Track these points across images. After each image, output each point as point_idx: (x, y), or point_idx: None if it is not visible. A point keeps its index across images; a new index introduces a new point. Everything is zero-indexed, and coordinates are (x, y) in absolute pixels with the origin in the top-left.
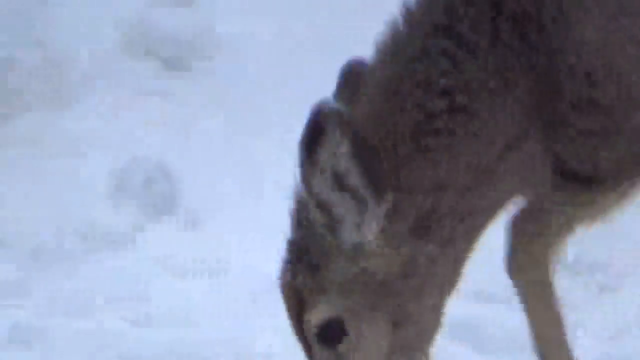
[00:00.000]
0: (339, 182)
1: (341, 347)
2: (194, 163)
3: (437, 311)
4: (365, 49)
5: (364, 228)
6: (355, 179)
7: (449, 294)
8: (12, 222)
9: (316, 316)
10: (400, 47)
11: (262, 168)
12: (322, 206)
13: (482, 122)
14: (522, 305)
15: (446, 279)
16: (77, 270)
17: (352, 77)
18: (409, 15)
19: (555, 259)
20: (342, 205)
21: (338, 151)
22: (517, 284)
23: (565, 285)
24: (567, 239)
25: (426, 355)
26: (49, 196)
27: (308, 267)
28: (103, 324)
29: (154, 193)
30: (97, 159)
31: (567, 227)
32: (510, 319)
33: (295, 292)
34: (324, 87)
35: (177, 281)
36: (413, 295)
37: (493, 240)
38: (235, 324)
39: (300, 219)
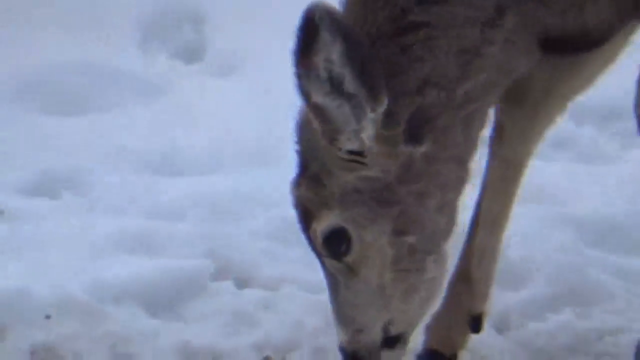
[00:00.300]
0: (336, 88)
1: (348, 258)
2: (224, 9)
3: (445, 212)
4: None
5: (362, 134)
6: (350, 83)
7: (456, 193)
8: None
9: (320, 226)
10: None
11: (293, 16)
12: (320, 113)
13: (455, 7)
14: (489, 179)
15: (448, 177)
16: (107, 119)
17: None
18: None
19: (542, 138)
20: (339, 112)
21: (332, 51)
22: (494, 160)
23: (593, 134)
24: (557, 115)
25: (442, 256)
26: (76, 42)
27: (310, 178)
28: (133, 174)
29: (184, 39)
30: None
31: (556, 100)
32: None
33: (302, 204)
34: None
35: (206, 129)
36: (415, 200)
37: None
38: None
39: (303, 128)
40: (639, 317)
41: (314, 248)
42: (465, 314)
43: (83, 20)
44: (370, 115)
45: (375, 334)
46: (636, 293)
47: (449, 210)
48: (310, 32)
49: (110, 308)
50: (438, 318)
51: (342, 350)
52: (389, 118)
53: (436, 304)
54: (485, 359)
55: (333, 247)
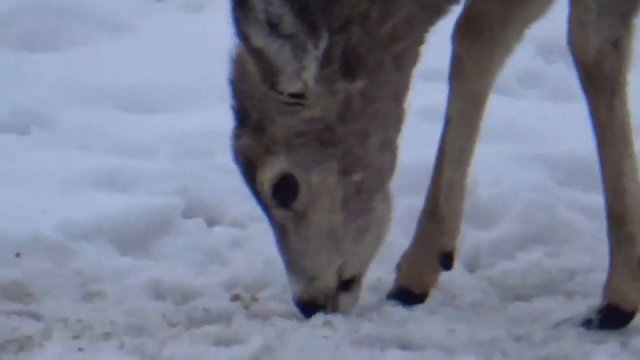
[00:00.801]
0: (275, 29)
1: (297, 204)
2: None
3: (387, 149)
4: None
5: (304, 73)
6: (290, 22)
7: (396, 129)
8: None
9: (267, 175)
10: None
11: None
12: (260, 56)
13: None
14: (451, 114)
15: (387, 115)
16: (76, 56)
17: None
18: None
19: (501, 67)
20: (280, 53)
21: None
22: (455, 95)
23: (564, 72)
24: (514, 44)
25: (386, 195)
26: None
27: (252, 128)
28: (102, 111)
29: None
30: None
31: (512, 28)
32: None
33: (245, 155)
34: None
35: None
36: (357, 139)
37: None
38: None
39: (238, 80)
40: (607, 256)
41: (261, 200)
42: (435, 251)
43: None
44: (313, 52)
45: (330, 279)
46: (605, 231)
47: (391, 147)
48: None
49: (80, 245)
50: (408, 256)
51: (298, 301)
52: (324, 57)
53: (384, 243)
54: (455, 297)
55: (281, 194)
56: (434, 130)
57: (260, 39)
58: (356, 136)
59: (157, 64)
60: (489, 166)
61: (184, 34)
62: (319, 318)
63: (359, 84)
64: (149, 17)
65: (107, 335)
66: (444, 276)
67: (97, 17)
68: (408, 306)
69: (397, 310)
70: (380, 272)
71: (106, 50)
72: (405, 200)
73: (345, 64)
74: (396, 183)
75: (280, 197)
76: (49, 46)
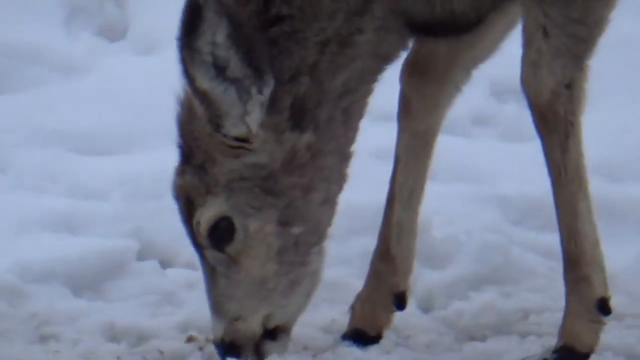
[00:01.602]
0: (221, 72)
1: (231, 248)
2: None
3: (328, 204)
4: None
5: (248, 118)
6: (236, 66)
7: (339, 184)
8: None
9: (205, 215)
10: None
11: None
12: (205, 98)
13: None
14: (401, 154)
15: (332, 171)
16: (28, 98)
17: None
18: None
19: (449, 107)
20: (225, 96)
21: (218, 32)
22: (404, 135)
23: (515, 112)
24: (462, 84)
25: (324, 248)
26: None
27: (195, 167)
28: (55, 153)
29: (107, 17)
30: None
31: (460, 69)
32: None
33: (186, 192)
34: None
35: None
36: (300, 192)
37: None
38: None
39: (185, 120)
40: (562, 296)
41: (195, 240)
42: (388, 292)
43: None
44: (258, 97)
45: (255, 325)
46: (559, 271)
47: (332, 203)
48: (194, 13)
49: (35, 288)
50: (362, 297)
51: (218, 343)
52: (272, 105)
53: (313, 296)
54: (409, 338)
55: (217, 236)
56: (386, 171)
57: (205, 81)
58: (300, 189)
59: (111, 106)
60: (442, 206)
61: (138, 76)
62: (273, 359)
63: (307, 137)
64: (102, 58)
65: None
66: (398, 317)
67: (50, 58)
68: (363, 347)
69: (352, 351)
70: (334, 313)
71: (59, 92)
72: (358, 241)
73: (295, 115)
74: (349, 224)
75: (216, 240)
76: (1, 88)
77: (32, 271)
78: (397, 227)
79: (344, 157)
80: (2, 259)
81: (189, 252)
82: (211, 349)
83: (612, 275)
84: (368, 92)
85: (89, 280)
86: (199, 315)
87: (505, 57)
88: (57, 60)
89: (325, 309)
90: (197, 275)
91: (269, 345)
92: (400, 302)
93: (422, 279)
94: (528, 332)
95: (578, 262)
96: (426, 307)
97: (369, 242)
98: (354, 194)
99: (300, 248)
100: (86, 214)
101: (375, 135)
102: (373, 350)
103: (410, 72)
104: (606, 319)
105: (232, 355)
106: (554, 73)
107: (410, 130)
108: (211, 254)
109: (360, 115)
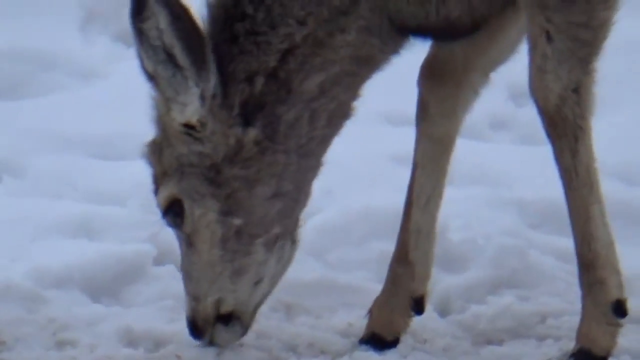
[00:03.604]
0: (170, 57)
1: (185, 228)
2: None
3: (278, 200)
4: None
5: (187, 108)
6: (179, 54)
7: (297, 182)
8: None
9: (161, 195)
10: None
11: None
12: (154, 81)
13: (288, 0)
14: (419, 159)
15: (287, 168)
16: (47, 103)
17: None
18: None
19: (467, 111)
20: (171, 82)
21: (160, 20)
22: (422, 139)
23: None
24: (479, 88)
25: (273, 240)
26: (15, 27)
27: (154, 144)
28: (73, 159)
29: (125, 22)
30: None
31: (477, 73)
32: None
33: (152, 173)
34: None
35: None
36: (243, 185)
37: None
38: None
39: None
40: (579, 299)
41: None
42: (406, 296)
43: (23, 4)
44: (194, 89)
45: (207, 308)
46: (577, 274)
47: (286, 199)
48: (140, 3)
49: (52, 293)
50: (379, 301)
51: (187, 316)
52: (224, 99)
53: (273, 287)
54: (427, 342)
55: (171, 216)
56: (405, 175)
57: (151, 63)
58: (242, 182)
59: (128, 111)
60: (459, 210)
61: None
62: None
63: (254, 133)
64: (119, 63)
65: None
66: (415, 321)
67: (67, 64)
68: (380, 351)
69: (369, 356)
70: (352, 317)
71: (76, 97)
72: (377, 245)
73: (247, 111)
74: (367, 228)
75: (171, 219)
76: (19, 94)
77: (49, 276)
78: (416, 231)
79: (305, 155)
80: (20, 265)
81: None
82: (229, 356)
83: (629, 278)
84: (350, 96)
85: (106, 286)
86: None
87: (523, 60)
88: (74, 65)
89: (343, 313)
90: None
91: (219, 330)
92: (418, 306)
93: (439, 283)
94: (545, 336)
95: (592, 265)
96: (443, 311)
97: (388, 247)
98: (372, 198)
99: (243, 239)
100: (103, 219)
101: (395, 139)
102: (390, 355)
103: (428, 76)
104: (623, 321)
105: (193, 335)
106: (560, 77)
107: (428, 135)
108: (177, 232)
109: (341, 117)
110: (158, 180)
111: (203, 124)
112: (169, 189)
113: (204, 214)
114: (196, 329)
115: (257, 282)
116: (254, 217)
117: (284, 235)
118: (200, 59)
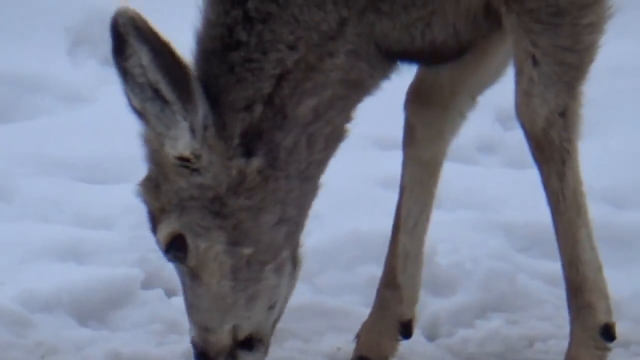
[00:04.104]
0: (156, 93)
1: (189, 262)
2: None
3: (284, 225)
4: None
5: (178, 142)
6: (164, 89)
7: (300, 208)
8: None
9: (161, 232)
10: None
11: None
12: (142, 118)
13: (278, 26)
14: (406, 182)
15: (290, 194)
16: (34, 127)
17: None
18: None
19: (455, 134)
20: (160, 117)
21: (142, 57)
22: (409, 163)
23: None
24: (466, 111)
25: (283, 264)
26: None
27: (150, 182)
28: (61, 182)
29: None
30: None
31: (464, 96)
32: None
33: (149, 210)
34: None
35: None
36: (249, 214)
37: None
38: None
39: (145, 133)
40: (568, 323)
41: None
42: (394, 320)
43: (10, 27)
44: (183, 123)
45: (223, 337)
46: (565, 299)
47: (291, 223)
48: (119, 38)
49: (40, 317)
50: (367, 325)
51: (194, 345)
52: (222, 130)
53: (285, 306)
54: None
55: (173, 252)
56: (393, 199)
57: (138, 101)
58: (248, 212)
59: (116, 134)
60: (447, 234)
61: None
62: None
63: (258, 162)
64: (107, 86)
65: None
66: (403, 345)
67: (54, 87)
68: None
69: None
70: (340, 342)
71: (64, 121)
72: (365, 269)
73: (247, 141)
74: (355, 252)
75: (173, 255)
76: (5, 117)
77: (37, 300)
78: (403, 255)
79: (306, 180)
80: (8, 289)
81: None
82: None
83: (617, 301)
84: (343, 119)
85: (94, 309)
86: None
87: (510, 83)
88: (61, 89)
89: (331, 337)
90: None
91: (244, 356)
92: (406, 330)
93: (427, 307)
94: None
95: (580, 289)
96: (431, 335)
97: (376, 270)
98: (361, 222)
99: (254, 266)
100: (92, 243)
101: (382, 163)
102: None
103: (414, 100)
104: (612, 345)
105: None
106: (547, 101)
107: (415, 159)
108: (177, 265)
109: (335, 140)
110: (156, 218)
111: (197, 156)
112: (170, 225)
113: (210, 247)
114: (205, 356)
115: (271, 307)
116: (262, 245)
117: (290, 257)
118: (186, 92)
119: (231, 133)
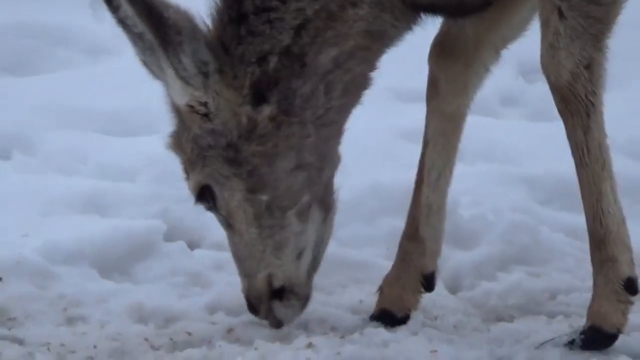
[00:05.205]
0: (147, 45)
1: (221, 211)
2: None
3: (302, 171)
4: None
5: (173, 88)
6: (149, 38)
7: (315, 153)
8: None
9: (190, 184)
10: None
11: None
12: (147, 67)
13: None
14: (429, 135)
15: (304, 140)
16: (56, 79)
17: None
18: None
19: (478, 88)
20: (154, 65)
21: (126, 11)
22: (432, 116)
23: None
24: (490, 65)
25: (305, 209)
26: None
27: (175, 134)
28: (83, 134)
29: None
30: None
31: (488, 50)
32: None
33: (180, 162)
34: None
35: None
36: (263, 161)
37: None
38: None
39: None
40: (590, 276)
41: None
42: (416, 273)
43: None
44: (169, 71)
45: (260, 284)
46: (587, 251)
47: (309, 169)
48: None
49: (62, 269)
50: (390, 278)
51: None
52: (232, 79)
53: (321, 253)
54: (437, 319)
55: (205, 202)
56: (415, 152)
57: (139, 52)
58: (262, 158)
59: (139, 87)
60: (469, 187)
61: None
62: (301, 340)
63: (269, 109)
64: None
65: None
66: (426, 298)
67: (78, 40)
68: (390, 328)
69: (379, 332)
70: (362, 294)
71: (87, 73)
72: (386, 222)
73: (259, 90)
74: (377, 204)
75: (205, 205)
76: (30, 70)
77: (60, 252)
78: (426, 208)
79: (324, 126)
80: (30, 240)
81: (216, 233)
82: (238, 331)
83: (638, 254)
84: (365, 68)
85: (116, 262)
86: (226, 297)
87: (534, 37)
88: (85, 42)
89: (353, 290)
90: (225, 257)
91: (277, 307)
92: (428, 283)
93: (449, 260)
94: (556, 313)
95: (603, 242)
96: (454, 288)
97: (398, 223)
98: (382, 174)
99: (275, 213)
100: (114, 195)
101: (404, 116)
102: (401, 332)
103: (439, 53)
104: (634, 299)
105: (251, 311)
106: (573, 54)
107: (439, 112)
108: (217, 217)
109: (357, 88)
110: (187, 169)
111: (203, 103)
112: (196, 177)
113: (232, 195)
114: (251, 305)
115: (299, 253)
116: (279, 191)
117: (315, 203)
118: (167, 40)
119: (242, 83)
